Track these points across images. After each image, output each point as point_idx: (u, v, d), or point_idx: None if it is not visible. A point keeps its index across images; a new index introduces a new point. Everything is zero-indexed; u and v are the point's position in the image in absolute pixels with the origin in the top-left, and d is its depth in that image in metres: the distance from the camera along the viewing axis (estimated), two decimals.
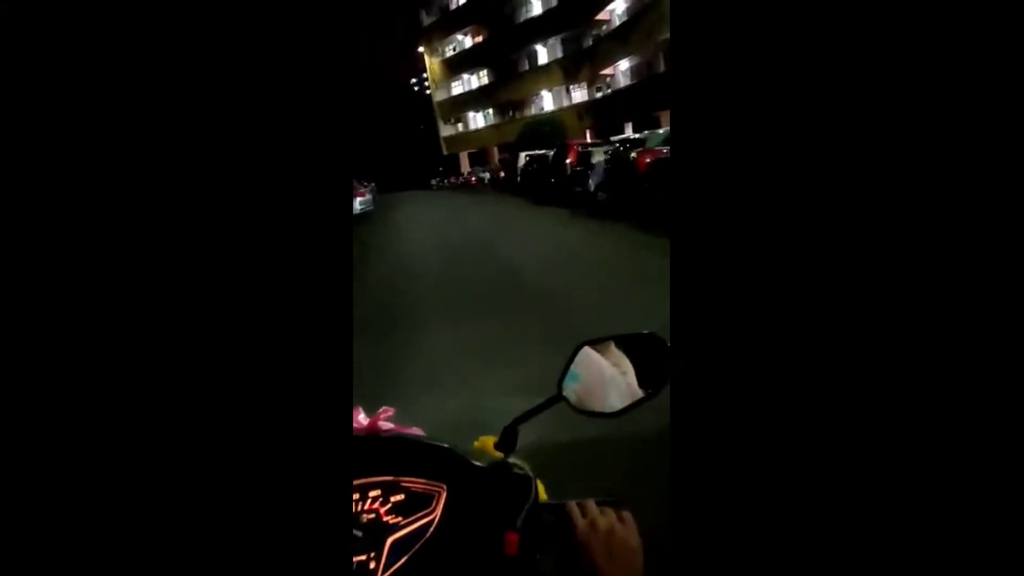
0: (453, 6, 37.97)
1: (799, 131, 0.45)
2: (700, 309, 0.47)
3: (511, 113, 34.82)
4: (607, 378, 0.71)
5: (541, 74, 31.66)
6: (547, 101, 32.06)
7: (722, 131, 0.47)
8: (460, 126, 40.69)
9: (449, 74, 39.39)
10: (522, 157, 19.81)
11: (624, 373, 0.72)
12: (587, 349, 0.73)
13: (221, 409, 0.43)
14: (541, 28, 30.50)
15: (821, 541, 0.43)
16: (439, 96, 40.62)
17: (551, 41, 30.96)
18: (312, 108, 0.46)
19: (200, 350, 0.43)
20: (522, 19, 32.43)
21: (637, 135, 14.07)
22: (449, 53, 39.55)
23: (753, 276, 0.46)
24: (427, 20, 39.46)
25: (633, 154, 9.11)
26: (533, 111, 32.72)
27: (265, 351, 0.44)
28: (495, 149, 38.22)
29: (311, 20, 0.46)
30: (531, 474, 0.67)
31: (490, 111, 37.10)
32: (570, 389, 0.71)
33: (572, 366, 0.72)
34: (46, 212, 0.42)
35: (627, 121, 24.18)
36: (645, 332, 0.74)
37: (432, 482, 0.66)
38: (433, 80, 40.39)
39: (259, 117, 0.46)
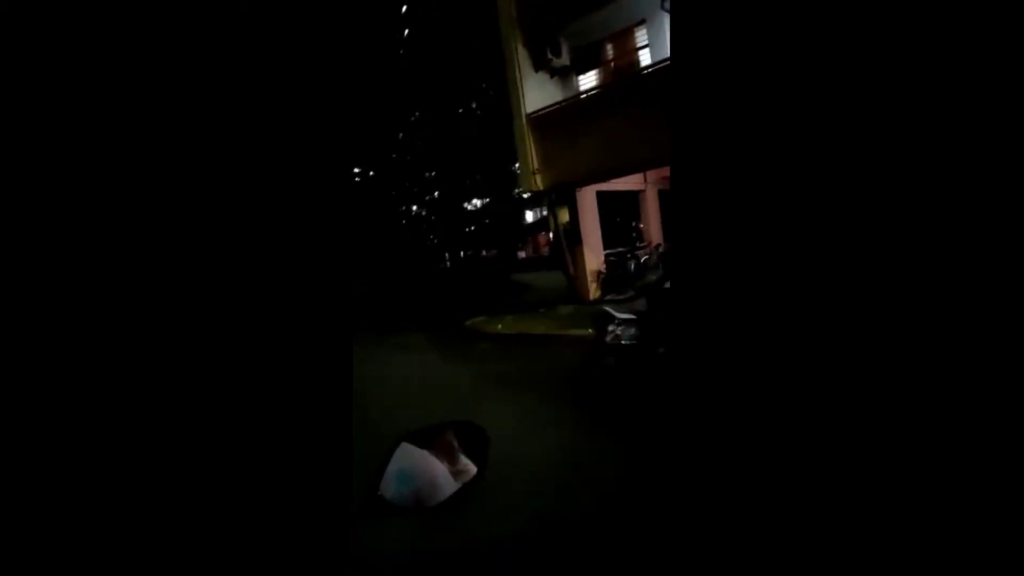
0: None
1: (795, 133, 0.49)
2: (699, 314, 0.50)
3: None
4: (438, 472, 0.72)
5: None
6: None
7: (720, 134, 0.52)
8: (597, 73, 7.36)
9: None
10: None
11: (450, 460, 0.71)
12: (407, 446, 0.69)
13: (228, 410, 0.47)
14: None
15: (819, 541, 0.47)
16: None
17: None
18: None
19: (207, 354, 0.46)
20: None
21: None
22: None
23: (752, 279, 0.48)
24: None
25: None
26: None
27: (269, 353, 0.46)
28: None
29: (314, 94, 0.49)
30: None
31: None
32: (399, 490, 0.68)
33: (393, 465, 0.67)
34: (46, 212, 0.45)
35: None
36: (460, 420, 0.72)
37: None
38: None
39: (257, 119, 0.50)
